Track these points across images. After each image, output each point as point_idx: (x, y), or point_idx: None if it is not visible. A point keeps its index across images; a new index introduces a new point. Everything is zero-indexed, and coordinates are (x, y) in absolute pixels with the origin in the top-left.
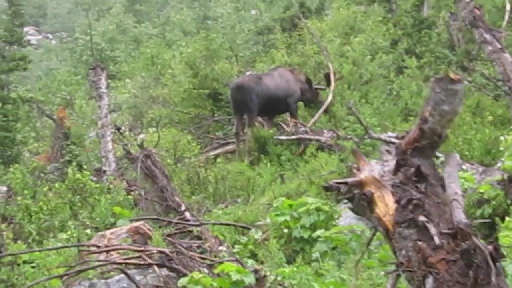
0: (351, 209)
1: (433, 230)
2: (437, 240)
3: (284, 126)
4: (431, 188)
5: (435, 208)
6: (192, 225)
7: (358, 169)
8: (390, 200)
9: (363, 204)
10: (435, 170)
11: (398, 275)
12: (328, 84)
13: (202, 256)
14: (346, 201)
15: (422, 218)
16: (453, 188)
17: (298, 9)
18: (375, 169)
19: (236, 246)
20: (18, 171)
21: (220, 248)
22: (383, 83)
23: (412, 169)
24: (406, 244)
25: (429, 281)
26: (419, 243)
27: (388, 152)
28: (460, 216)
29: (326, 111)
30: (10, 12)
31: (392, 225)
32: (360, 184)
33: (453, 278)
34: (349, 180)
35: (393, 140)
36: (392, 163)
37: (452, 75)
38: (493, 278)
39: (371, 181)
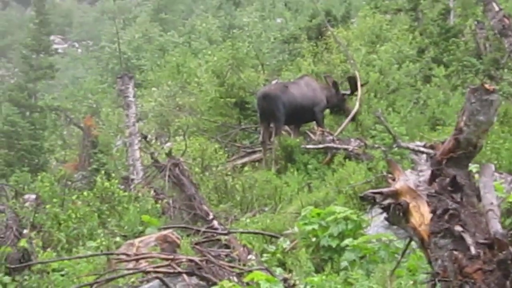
0: (386, 219)
1: (469, 240)
2: (473, 250)
3: (311, 134)
4: (466, 198)
5: (471, 218)
6: (220, 234)
7: (393, 179)
8: (425, 210)
9: (398, 214)
10: (471, 180)
11: (434, 285)
12: (352, 88)
13: (231, 264)
14: (380, 211)
15: (458, 228)
16: (488, 198)
17: (324, 17)
18: (410, 179)
19: (264, 254)
20: (46, 179)
21: (249, 256)
22: (410, 92)
23: (448, 179)
24: (442, 254)
25: None
26: (455, 253)
27: (416, 162)
28: (496, 226)
29: (353, 120)
30: (37, 21)
31: (427, 235)
32: (396, 194)
33: None
34: (384, 190)
35: (421, 149)
36: (427, 173)
37: (487, 86)
38: None
39: (406, 191)
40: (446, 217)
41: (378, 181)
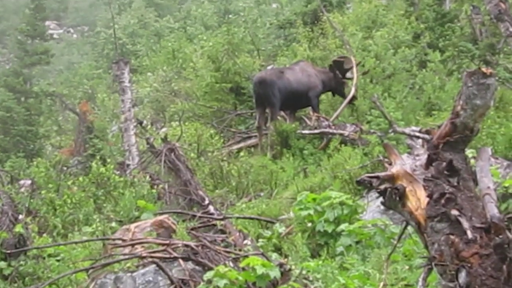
0: (383, 203)
1: (466, 224)
2: (470, 234)
3: (307, 120)
4: (463, 182)
5: (467, 202)
6: (216, 219)
7: (390, 163)
8: (422, 194)
9: (394, 198)
10: (467, 164)
11: (430, 269)
12: (341, 72)
13: (227, 250)
14: (376, 196)
15: (454, 212)
16: (485, 182)
17: (320, 2)
18: (406, 163)
19: (260, 240)
20: (41, 165)
21: (245, 242)
22: (405, 77)
23: (444, 163)
24: (439, 238)
25: (462, 275)
26: (452, 237)
27: (412, 146)
28: (493, 210)
29: (351, 103)
30: (33, 6)
31: (424, 219)
32: (392, 178)
33: (487, 272)
34: (381, 174)
35: (417, 134)
36: (423, 157)
37: (484, 69)
38: None
39: (403, 175)
40: (442, 201)
41: (374, 166)
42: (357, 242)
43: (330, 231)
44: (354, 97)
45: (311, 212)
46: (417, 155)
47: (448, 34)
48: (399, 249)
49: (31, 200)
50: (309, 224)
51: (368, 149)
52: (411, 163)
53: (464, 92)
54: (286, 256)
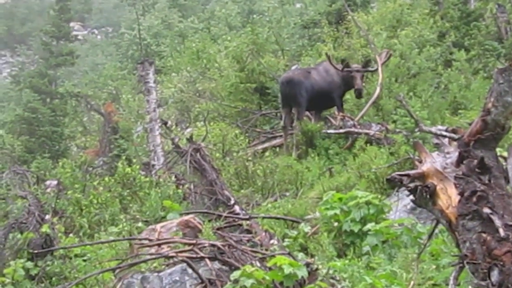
0: (413, 201)
1: (498, 222)
2: (502, 232)
3: (332, 119)
4: (494, 180)
5: (499, 200)
6: (242, 219)
7: (420, 161)
8: (453, 192)
9: (425, 196)
10: (498, 162)
11: (462, 268)
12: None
13: (254, 249)
14: (404, 194)
15: (486, 210)
16: None
17: (344, 2)
18: (437, 161)
19: (285, 239)
20: (67, 166)
21: (271, 241)
22: (431, 76)
23: (475, 161)
24: (470, 236)
25: (495, 273)
26: (484, 235)
27: (442, 144)
28: None
29: (375, 103)
30: (57, 8)
31: (455, 217)
32: (422, 176)
33: None
34: (412, 172)
35: (444, 133)
36: (454, 155)
37: None
38: None
39: (433, 173)
40: (474, 199)
41: (400, 165)
42: (383, 242)
43: (356, 230)
44: (378, 97)
45: (337, 211)
46: (448, 153)
47: (473, 33)
48: (426, 248)
49: (57, 201)
50: (335, 224)
51: (394, 149)
52: (441, 161)
53: (495, 89)
54: (312, 256)
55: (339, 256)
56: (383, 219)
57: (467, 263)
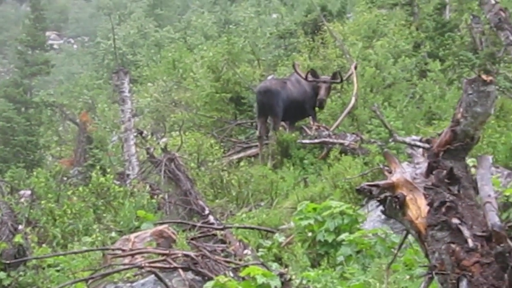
0: (383, 212)
1: (466, 232)
2: (471, 242)
3: (307, 129)
4: (464, 191)
5: (468, 211)
6: (216, 229)
7: (390, 172)
8: (422, 202)
9: (395, 206)
10: (468, 172)
11: (431, 278)
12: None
13: (227, 259)
14: (377, 203)
15: (455, 220)
16: (486, 190)
17: (320, 12)
18: (407, 171)
19: (260, 249)
20: (41, 175)
21: (245, 251)
22: (406, 87)
23: (445, 172)
24: (439, 247)
25: (463, 284)
26: (453, 245)
27: (413, 155)
28: (494, 218)
29: (349, 113)
30: (33, 17)
31: (424, 228)
32: (392, 187)
33: (488, 281)
34: (381, 182)
35: (418, 143)
36: (424, 166)
37: (484, 77)
38: None
39: (403, 183)
40: (443, 209)
41: (374, 175)
42: (357, 252)
43: (330, 240)
44: (353, 107)
45: (312, 221)
46: (417, 163)
47: (448, 43)
48: (399, 258)
49: (31, 211)
50: (310, 234)
51: (369, 159)
52: (411, 172)
53: (464, 99)
54: (286, 266)
55: (313, 266)
56: (357, 229)
57: (436, 273)
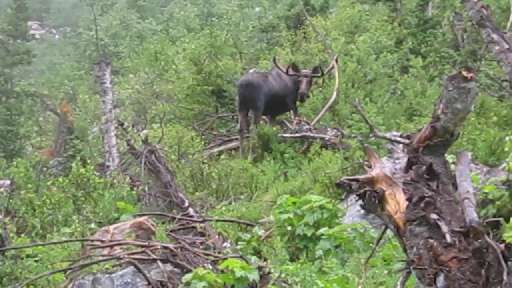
0: (362, 206)
1: (444, 228)
2: (448, 238)
3: (288, 123)
4: (442, 186)
5: (446, 206)
6: (196, 221)
7: (370, 166)
8: (401, 197)
9: (374, 201)
10: (447, 168)
11: (409, 273)
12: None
13: (206, 252)
14: (356, 198)
15: (433, 216)
16: (465, 186)
17: (303, 7)
18: (386, 166)
19: (239, 243)
20: (21, 165)
21: (224, 244)
22: (387, 82)
23: (424, 167)
24: (417, 242)
25: (441, 279)
26: (431, 241)
27: (393, 150)
28: (472, 214)
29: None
30: (15, 6)
31: (403, 223)
32: (371, 181)
33: (465, 276)
34: (360, 177)
35: (398, 139)
36: (403, 161)
37: (465, 73)
38: (505, 277)
39: (382, 178)
40: (421, 204)
41: (355, 169)
42: (336, 246)
43: (309, 234)
44: (334, 101)
45: (291, 215)
46: (397, 158)
47: (430, 40)
48: (378, 253)
49: (10, 200)
50: (289, 228)
51: (349, 153)
52: (390, 167)
53: (444, 96)
54: (265, 259)
55: (291, 260)
56: (336, 223)
57: (414, 268)
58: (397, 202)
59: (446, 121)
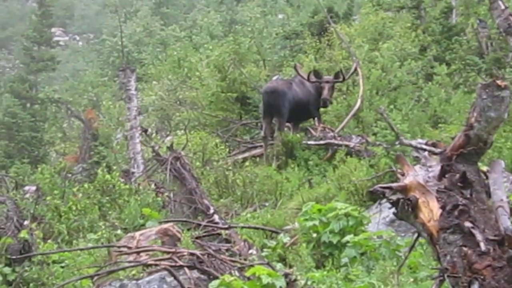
0: (395, 214)
1: (479, 236)
2: (483, 246)
3: (312, 131)
4: (476, 194)
5: (480, 215)
6: (221, 228)
7: (403, 174)
8: (434, 205)
9: (407, 209)
10: (480, 176)
11: (442, 281)
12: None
13: (233, 259)
14: (380, 208)
15: (467, 224)
16: (498, 194)
17: (327, 13)
18: (419, 174)
19: (264, 250)
20: (46, 171)
21: (250, 251)
22: (411, 90)
23: (458, 175)
24: (451, 250)
25: (475, 287)
26: (465, 249)
27: (423, 158)
28: (506, 223)
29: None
30: (39, 13)
31: (436, 231)
32: (405, 189)
33: (500, 284)
34: (394, 185)
35: (424, 146)
36: (436, 169)
37: (499, 82)
38: None
39: (415, 186)
40: (455, 213)
41: (380, 178)
42: (362, 254)
43: (335, 242)
44: (359, 109)
45: (316, 222)
46: (430, 166)
47: (454, 47)
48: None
49: (36, 206)
50: (314, 235)
51: (374, 161)
52: (423, 175)
53: (478, 104)
54: (290, 267)
55: (317, 268)
56: (362, 231)
57: (448, 276)
58: (430, 210)
59: (479, 130)
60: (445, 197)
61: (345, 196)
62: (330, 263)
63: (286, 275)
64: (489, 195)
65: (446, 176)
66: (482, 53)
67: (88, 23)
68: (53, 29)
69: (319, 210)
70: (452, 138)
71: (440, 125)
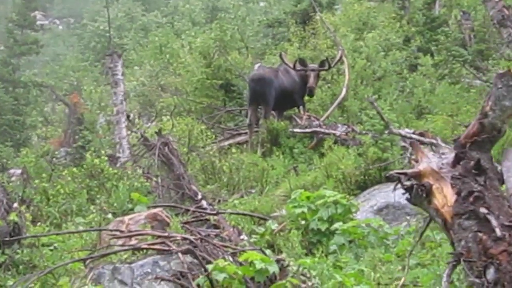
0: (408, 200)
1: (494, 222)
2: (498, 232)
3: (297, 119)
4: (490, 182)
5: (494, 201)
6: (210, 214)
7: (417, 161)
8: (448, 191)
9: (421, 195)
10: (493, 164)
11: (455, 265)
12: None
13: (225, 244)
14: (368, 196)
15: (483, 210)
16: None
17: (312, 2)
18: (432, 161)
19: (253, 236)
20: (30, 154)
21: (241, 237)
22: (396, 80)
23: (472, 162)
24: (466, 235)
25: (491, 271)
26: (480, 234)
27: (405, 147)
28: None
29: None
30: None
31: (450, 216)
32: (419, 175)
33: None
34: (408, 171)
35: (413, 136)
36: (450, 156)
37: None
38: None
39: (429, 172)
40: (471, 199)
41: (367, 165)
42: (350, 241)
43: (323, 229)
44: (344, 98)
45: (305, 210)
46: (443, 153)
47: (437, 38)
48: (392, 249)
49: (24, 190)
50: (303, 222)
51: (363, 149)
52: (437, 161)
53: (493, 93)
54: (280, 253)
55: (305, 255)
56: (350, 219)
57: (464, 260)
58: (444, 196)
59: (494, 118)
60: (459, 183)
61: (333, 184)
62: (318, 250)
63: (278, 261)
64: (501, 182)
65: (461, 163)
66: (465, 44)
67: (68, 7)
68: (34, 13)
69: (308, 198)
70: (466, 126)
71: (424, 115)
